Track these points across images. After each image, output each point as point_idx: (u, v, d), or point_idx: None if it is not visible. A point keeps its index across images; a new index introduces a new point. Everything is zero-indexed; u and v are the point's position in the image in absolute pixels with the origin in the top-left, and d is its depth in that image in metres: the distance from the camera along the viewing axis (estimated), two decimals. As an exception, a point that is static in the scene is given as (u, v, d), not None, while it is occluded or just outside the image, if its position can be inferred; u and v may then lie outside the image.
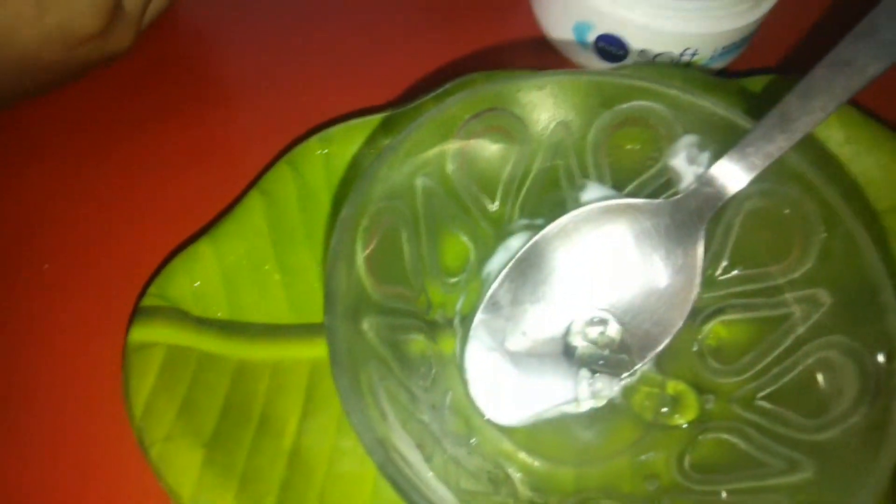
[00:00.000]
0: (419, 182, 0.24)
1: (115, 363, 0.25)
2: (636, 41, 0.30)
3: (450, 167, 0.25)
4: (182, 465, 0.23)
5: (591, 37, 0.31)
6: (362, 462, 0.23)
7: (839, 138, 0.29)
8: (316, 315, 0.26)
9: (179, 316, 0.25)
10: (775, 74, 0.30)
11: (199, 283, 0.26)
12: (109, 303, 0.27)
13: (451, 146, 0.24)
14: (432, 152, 0.24)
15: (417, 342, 0.25)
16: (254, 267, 0.26)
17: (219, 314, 0.26)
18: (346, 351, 0.19)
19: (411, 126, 0.23)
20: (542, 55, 0.33)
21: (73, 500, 0.23)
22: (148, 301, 0.25)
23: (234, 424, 0.24)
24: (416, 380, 0.23)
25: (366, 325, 0.21)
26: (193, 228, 0.28)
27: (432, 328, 0.25)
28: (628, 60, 0.31)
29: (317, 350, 0.26)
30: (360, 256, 0.21)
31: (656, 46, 0.30)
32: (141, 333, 0.25)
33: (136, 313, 0.25)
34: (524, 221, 0.27)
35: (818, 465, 0.20)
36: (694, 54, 0.30)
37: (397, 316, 0.24)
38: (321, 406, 0.24)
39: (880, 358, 0.20)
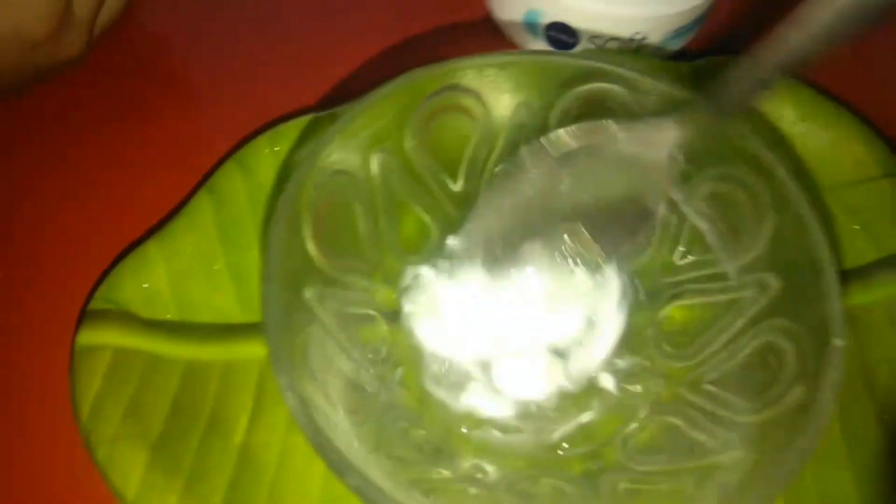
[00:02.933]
0: (376, 157, 0.24)
1: (63, 368, 0.25)
2: (586, 28, 0.30)
3: (408, 144, 0.25)
4: (127, 466, 0.23)
5: (542, 25, 0.31)
6: (312, 458, 0.23)
7: (792, 117, 0.29)
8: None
9: (127, 318, 0.25)
10: (728, 55, 0.30)
11: (147, 284, 0.26)
12: (57, 307, 0.27)
13: (410, 123, 0.25)
14: (389, 128, 0.24)
15: (371, 317, 0.25)
16: (203, 267, 0.26)
17: (168, 315, 0.26)
18: (280, 313, 0.19)
19: (366, 98, 0.23)
20: (494, 45, 0.34)
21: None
22: (95, 304, 0.26)
23: (182, 425, 0.24)
24: (363, 352, 0.24)
25: (309, 293, 0.22)
26: (142, 230, 0.28)
27: (390, 305, 0.26)
28: (579, 47, 0.31)
29: (267, 349, 0.26)
30: (307, 225, 0.22)
31: (606, 32, 0.30)
32: (88, 337, 0.25)
33: (84, 317, 0.25)
34: (488, 203, 0.27)
35: (750, 445, 0.20)
36: (644, 38, 0.30)
37: (350, 289, 0.24)
38: (271, 404, 0.24)
39: (817, 341, 0.20)
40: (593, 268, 0.25)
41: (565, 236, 0.25)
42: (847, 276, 0.27)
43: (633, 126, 0.23)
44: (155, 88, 0.33)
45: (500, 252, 0.25)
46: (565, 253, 0.25)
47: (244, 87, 0.33)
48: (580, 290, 0.25)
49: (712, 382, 0.23)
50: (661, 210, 0.24)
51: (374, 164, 0.24)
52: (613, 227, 0.24)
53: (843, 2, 0.17)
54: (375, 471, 0.18)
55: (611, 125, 0.23)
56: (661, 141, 0.23)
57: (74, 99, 0.32)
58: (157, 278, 0.26)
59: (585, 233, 0.25)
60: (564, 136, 0.24)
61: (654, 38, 0.30)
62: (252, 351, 0.25)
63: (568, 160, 0.24)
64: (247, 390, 0.25)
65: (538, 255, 0.25)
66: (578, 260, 0.25)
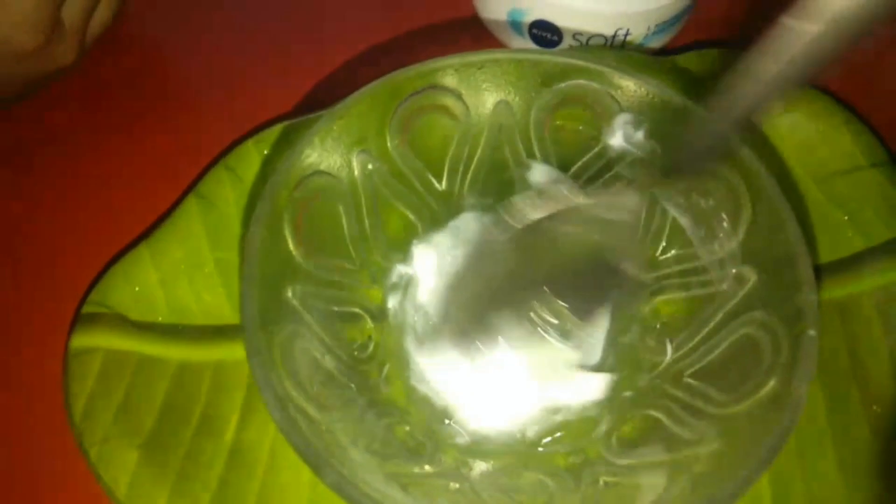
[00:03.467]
0: (357, 158, 0.25)
1: (57, 370, 0.26)
2: (568, 25, 0.30)
3: (391, 144, 0.25)
4: (118, 465, 0.23)
5: (526, 23, 0.31)
6: None
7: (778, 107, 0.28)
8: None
9: (119, 321, 0.26)
10: (711, 49, 0.30)
11: (138, 288, 0.26)
12: (51, 311, 0.27)
13: (391, 123, 0.25)
14: (370, 128, 0.24)
15: (357, 315, 0.25)
16: (193, 270, 0.27)
17: (159, 318, 0.26)
18: (258, 313, 0.20)
19: (346, 100, 0.23)
20: (480, 44, 0.34)
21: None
22: (88, 308, 0.26)
23: (173, 425, 0.24)
24: (349, 350, 0.24)
25: (290, 292, 0.22)
26: (133, 235, 0.29)
27: (376, 303, 0.26)
28: (563, 45, 0.31)
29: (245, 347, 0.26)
30: (288, 226, 0.22)
31: (589, 29, 0.30)
32: (81, 340, 0.25)
33: (77, 321, 0.26)
34: (473, 200, 0.27)
35: (726, 437, 0.20)
36: (627, 34, 0.30)
37: (335, 288, 0.25)
38: (262, 404, 0.24)
39: (793, 332, 0.20)
40: (566, 334, 0.24)
41: (534, 303, 0.24)
42: (835, 267, 0.27)
43: (596, 194, 0.23)
44: (145, 95, 0.33)
45: (470, 328, 0.24)
46: (536, 322, 0.24)
47: (232, 92, 0.33)
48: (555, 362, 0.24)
49: (693, 375, 0.23)
50: (632, 269, 0.23)
51: (356, 164, 0.24)
52: (584, 289, 0.24)
53: (793, 50, 0.16)
54: (353, 466, 0.19)
55: (573, 195, 0.23)
56: (625, 205, 0.22)
57: (65, 107, 0.33)
58: (148, 282, 0.27)
59: (554, 299, 0.24)
60: (524, 207, 0.23)
61: (637, 34, 0.30)
62: (243, 352, 0.25)
63: (532, 228, 0.23)
64: (237, 390, 0.25)
65: (508, 327, 0.24)
66: (550, 328, 0.24)
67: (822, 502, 0.23)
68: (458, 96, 0.25)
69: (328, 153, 0.23)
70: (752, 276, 0.22)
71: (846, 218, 0.28)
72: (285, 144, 0.29)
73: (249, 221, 0.26)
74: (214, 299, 0.27)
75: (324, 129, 0.23)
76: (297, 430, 0.18)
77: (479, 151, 0.27)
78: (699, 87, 0.29)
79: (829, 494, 0.23)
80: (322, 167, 0.23)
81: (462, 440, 0.24)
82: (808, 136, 0.29)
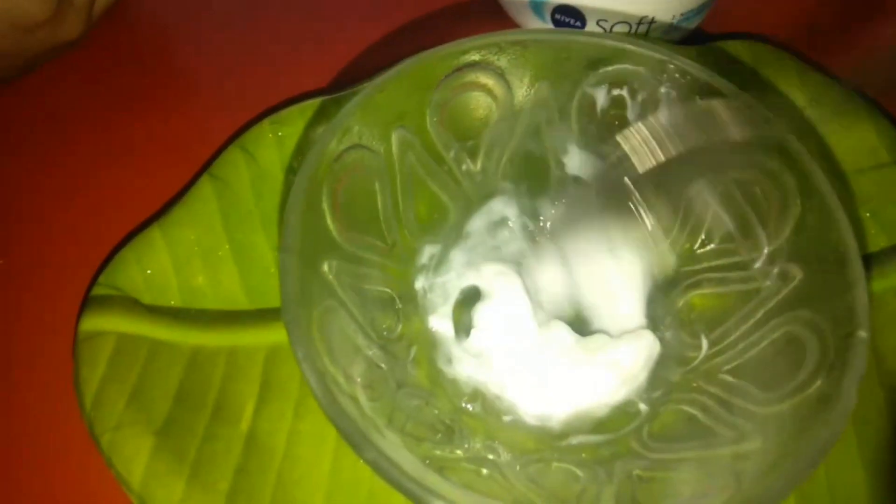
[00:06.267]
0: (397, 133, 0.24)
1: (66, 354, 0.25)
2: (592, 12, 0.29)
3: (430, 121, 0.25)
4: (131, 453, 0.22)
5: (548, 9, 0.30)
6: (320, 445, 0.23)
7: (802, 101, 0.28)
8: (272, 300, 0.26)
9: (130, 304, 0.25)
10: (739, 40, 0.30)
11: (150, 270, 0.26)
12: (60, 293, 0.26)
13: (432, 99, 0.24)
14: (411, 103, 0.24)
15: (387, 295, 0.25)
16: (207, 253, 0.26)
17: (171, 302, 0.26)
18: (298, 286, 0.19)
19: (387, 73, 0.23)
20: (498, 26, 0.33)
21: (24, 492, 0.24)
22: (98, 290, 0.25)
23: (188, 412, 0.23)
24: (379, 329, 0.23)
25: (326, 266, 0.21)
26: (145, 216, 0.28)
27: (405, 284, 0.25)
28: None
29: (273, 335, 0.25)
30: (326, 198, 0.21)
31: (613, 16, 0.29)
32: (91, 323, 0.25)
33: (87, 303, 0.25)
34: (508, 184, 0.27)
35: (767, 436, 0.19)
36: (652, 22, 0.29)
37: (367, 266, 0.24)
38: (278, 391, 0.24)
39: (841, 332, 0.19)
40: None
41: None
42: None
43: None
44: (153, 72, 0.33)
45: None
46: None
47: (246, 71, 0.32)
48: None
49: (730, 372, 0.22)
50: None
51: (395, 140, 0.24)
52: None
53: None
54: (390, 445, 0.18)
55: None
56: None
57: (73, 83, 0.32)
58: (160, 264, 0.26)
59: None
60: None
61: (663, 21, 0.29)
62: (258, 338, 0.25)
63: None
64: (253, 377, 0.25)
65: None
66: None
67: (845, 501, 0.23)
68: (501, 75, 0.25)
69: (368, 127, 0.23)
70: (797, 274, 0.21)
71: (869, 215, 0.27)
72: (304, 126, 0.28)
73: (287, 192, 0.25)
74: (229, 283, 0.26)
75: (367, 101, 0.22)
76: (337, 405, 0.17)
77: (517, 132, 0.26)
78: (733, 75, 0.28)
79: (852, 493, 0.23)
80: (362, 141, 0.23)
81: (489, 426, 0.23)
82: (831, 131, 0.29)
